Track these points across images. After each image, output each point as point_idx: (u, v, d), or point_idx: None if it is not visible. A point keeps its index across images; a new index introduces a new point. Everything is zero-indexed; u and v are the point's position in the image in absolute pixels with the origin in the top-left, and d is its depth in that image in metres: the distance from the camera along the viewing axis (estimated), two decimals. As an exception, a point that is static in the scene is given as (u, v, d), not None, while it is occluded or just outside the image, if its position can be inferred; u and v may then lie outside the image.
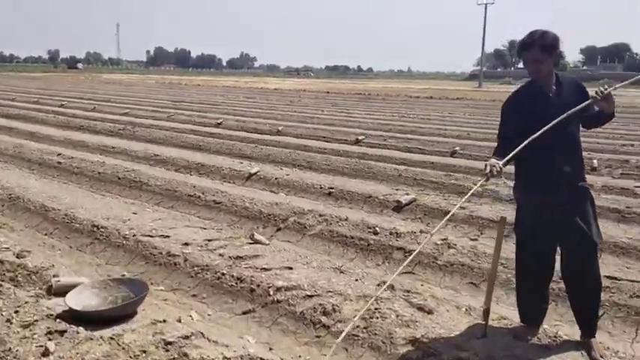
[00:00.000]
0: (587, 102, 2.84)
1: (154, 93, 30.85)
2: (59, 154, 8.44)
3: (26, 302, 3.11)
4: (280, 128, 12.72)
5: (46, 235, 5.13)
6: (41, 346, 2.68)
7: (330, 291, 3.56)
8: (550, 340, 3.04)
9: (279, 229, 5.29)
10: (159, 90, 35.31)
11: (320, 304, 3.39)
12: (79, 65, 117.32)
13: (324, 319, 3.28)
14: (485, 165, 2.78)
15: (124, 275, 4.17)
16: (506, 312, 3.46)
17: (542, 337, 3.07)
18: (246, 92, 33.32)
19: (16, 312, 3.00)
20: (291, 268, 3.97)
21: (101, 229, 4.90)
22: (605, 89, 2.80)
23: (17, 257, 3.97)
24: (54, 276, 3.58)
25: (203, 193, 6.25)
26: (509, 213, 5.52)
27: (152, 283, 4.04)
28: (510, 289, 3.80)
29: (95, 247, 4.71)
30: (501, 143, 2.96)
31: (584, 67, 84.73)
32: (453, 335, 3.06)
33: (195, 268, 4.06)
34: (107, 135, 11.71)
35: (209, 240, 4.59)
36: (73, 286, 3.34)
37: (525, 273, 3.09)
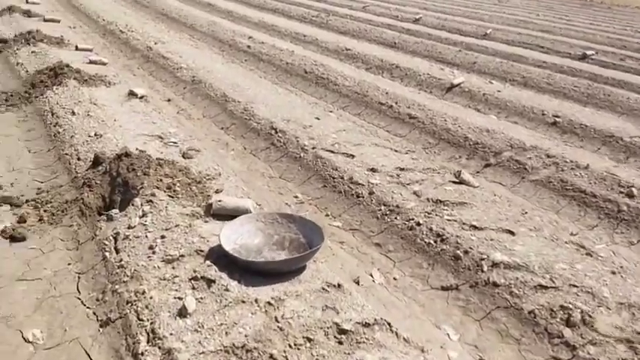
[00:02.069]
0: None
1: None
2: (250, 38, 7.93)
3: (177, 225, 2.48)
4: (488, 31, 10.91)
5: (222, 129, 4.61)
6: (180, 298, 2.02)
7: (574, 285, 2.42)
8: None
9: (488, 165, 4.14)
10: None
11: (561, 307, 2.29)
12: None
13: (567, 332, 2.19)
14: None
15: (296, 197, 3.45)
16: None
17: None
18: (447, -13, 30.38)
19: (163, 237, 2.40)
20: (512, 233, 2.86)
21: (279, 134, 4.19)
22: None
23: (183, 156, 3.42)
24: (217, 191, 2.94)
25: (396, 103, 5.23)
26: None
27: (327, 215, 3.26)
28: None
29: (270, 154, 4.04)
30: None
31: None
32: None
33: (383, 207, 3.16)
34: (300, 21, 11.03)
35: (401, 169, 3.62)
36: (235, 210, 2.66)
37: None
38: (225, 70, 6.00)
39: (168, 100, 5.27)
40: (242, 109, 4.74)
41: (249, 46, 7.53)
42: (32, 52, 5.61)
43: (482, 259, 2.62)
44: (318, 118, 4.59)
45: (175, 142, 3.65)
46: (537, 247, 2.73)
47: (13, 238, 2.60)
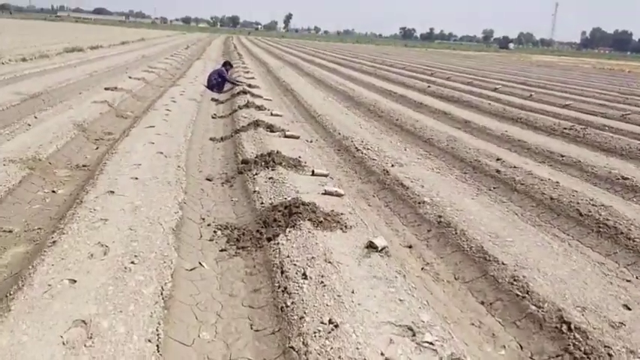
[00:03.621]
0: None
1: (593, 80, 27.01)
2: (498, 160, 6.84)
3: None
4: None
5: (482, 303, 3.48)
6: None
7: None
8: None
9: None
10: (597, 76, 31.04)
11: None
12: (511, 45, 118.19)
13: None
14: None
15: None
16: None
17: None
18: None
19: None
20: None
21: (576, 335, 2.90)
22: None
23: (446, 375, 2.37)
24: None
25: None
26: None
27: None
28: None
29: (564, 369, 2.77)
30: None
31: None
32: None
33: None
34: (550, 134, 9.63)
35: None
36: None
37: None
38: (477, 210, 4.93)
39: (410, 247, 4.37)
40: (509, 276, 3.58)
41: (497, 171, 6.42)
42: (269, 177, 5.29)
43: None
44: (629, 307, 3.19)
45: (431, 343, 2.63)
46: None
47: None
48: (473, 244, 4.11)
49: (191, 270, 3.57)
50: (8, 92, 9.68)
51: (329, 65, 25.62)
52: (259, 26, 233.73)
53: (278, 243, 3.82)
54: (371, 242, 3.78)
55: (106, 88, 11.09)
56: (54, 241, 3.56)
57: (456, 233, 4.35)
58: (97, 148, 6.86)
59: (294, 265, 3.43)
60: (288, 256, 3.56)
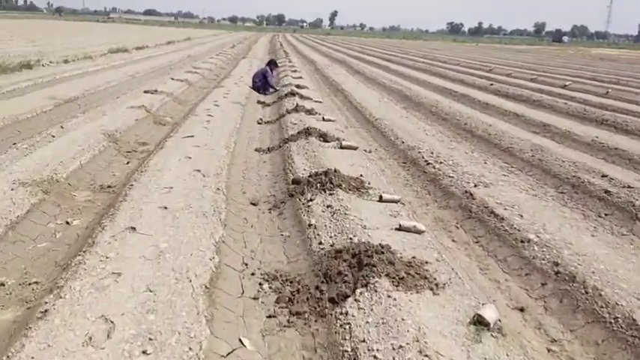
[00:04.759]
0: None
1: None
2: (604, 176, 5.58)
3: None
4: None
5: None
6: None
7: None
8: None
9: None
10: (671, 70, 28.57)
11: None
12: (564, 38, 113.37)
13: None
14: None
15: None
16: None
17: None
18: None
19: None
20: None
21: None
22: None
23: None
24: None
25: None
26: None
27: None
28: None
29: None
30: None
31: None
32: None
33: None
34: (648, 140, 8.21)
35: None
36: None
37: None
38: (605, 254, 3.74)
39: (521, 310, 3.23)
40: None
41: (607, 192, 5.17)
42: (328, 205, 4.25)
43: None
44: None
45: None
46: None
47: None
48: (617, 312, 2.94)
49: (227, 355, 2.56)
50: (42, 97, 9.01)
51: (379, 62, 24.41)
52: (305, 24, 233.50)
53: (347, 313, 2.77)
54: (479, 316, 2.68)
55: (145, 91, 10.33)
56: (45, 311, 2.63)
57: (587, 292, 3.18)
58: (128, 163, 5.98)
59: (375, 357, 2.37)
60: (363, 341, 2.50)
